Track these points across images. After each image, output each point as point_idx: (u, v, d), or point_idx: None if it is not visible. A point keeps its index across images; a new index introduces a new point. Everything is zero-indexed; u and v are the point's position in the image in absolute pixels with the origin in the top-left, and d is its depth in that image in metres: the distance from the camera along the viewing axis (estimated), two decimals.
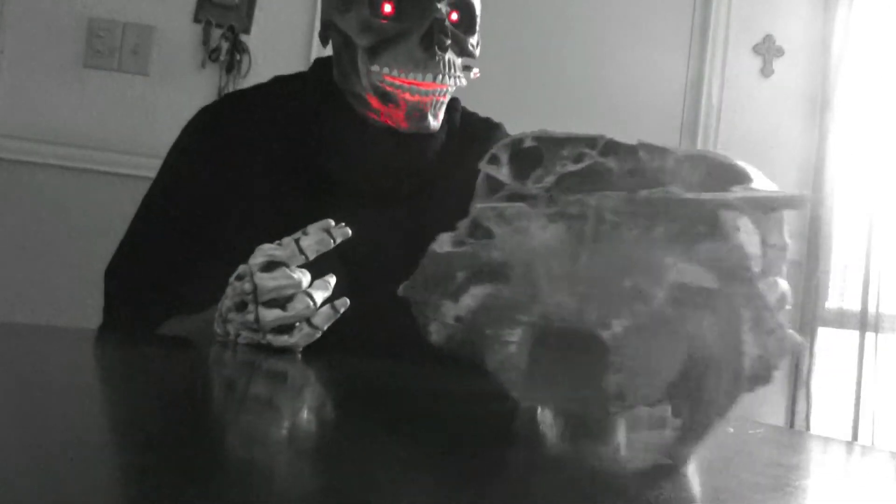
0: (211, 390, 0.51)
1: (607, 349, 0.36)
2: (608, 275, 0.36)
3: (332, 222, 0.70)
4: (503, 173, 0.43)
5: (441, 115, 0.89)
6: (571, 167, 0.38)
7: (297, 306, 0.67)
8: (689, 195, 0.37)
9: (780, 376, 2.12)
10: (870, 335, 2.01)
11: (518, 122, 1.09)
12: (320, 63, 0.95)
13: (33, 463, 0.26)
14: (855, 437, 1.99)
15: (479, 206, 0.41)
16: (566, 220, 0.37)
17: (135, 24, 1.91)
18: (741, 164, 0.40)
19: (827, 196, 2.15)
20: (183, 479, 0.26)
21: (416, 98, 0.83)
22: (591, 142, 0.41)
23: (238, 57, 1.93)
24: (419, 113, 0.85)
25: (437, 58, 0.81)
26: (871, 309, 2.01)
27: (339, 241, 0.69)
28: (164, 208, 0.90)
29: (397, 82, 0.82)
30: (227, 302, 0.69)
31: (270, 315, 0.66)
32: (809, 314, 2.14)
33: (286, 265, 0.67)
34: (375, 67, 0.83)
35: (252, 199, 0.87)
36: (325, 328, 0.69)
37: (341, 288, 0.83)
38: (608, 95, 2.16)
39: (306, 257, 0.68)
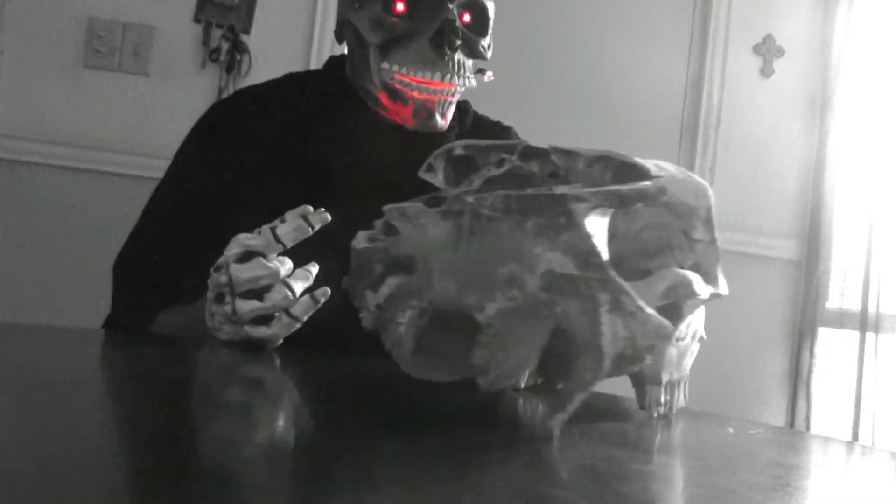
0: (211, 390, 0.51)
1: (479, 329, 0.40)
2: (485, 264, 0.40)
3: (311, 208, 0.67)
4: (438, 180, 0.48)
5: (449, 115, 0.90)
6: (495, 172, 0.42)
7: (274, 297, 0.64)
8: (558, 190, 0.41)
9: (780, 376, 2.12)
10: (870, 335, 2.01)
11: (518, 122, 1.09)
12: (334, 60, 0.97)
13: (33, 463, 0.26)
14: (855, 437, 1.99)
15: (387, 207, 0.45)
16: (452, 217, 0.41)
17: (135, 24, 1.91)
18: (641, 161, 0.44)
19: (827, 196, 2.15)
20: (183, 479, 0.26)
21: (424, 96, 0.84)
22: (510, 148, 0.45)
23: (238, 57, 1.93)
24: (426, 112, 0.86)
25: (446, 58, 0.82)
26: (872, 309, 2.01)
27: (317, 227, 0.67)
28: (173, 201, 0.90)
29: (406, 80, 0.84)
30: (208, 294, 0.69)
31: (247, 306, 0.64)
32: (809, 314, 2.14)
33: (262, 255, 0.65)
34: (385, 65, 0.84)
35: (259, 192, 0.87)
36: (305, 319, 0.67)
37: (343, 291, 0.84)
38: (608, 95, 2.16)
39: (283, 245, 0.66)
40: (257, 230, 0.67)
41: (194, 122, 0.96)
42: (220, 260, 0.67)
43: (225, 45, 1.93)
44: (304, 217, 0.67)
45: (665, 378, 0.50)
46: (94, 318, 0.92)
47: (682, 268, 0.46)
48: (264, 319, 0.66)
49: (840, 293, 2.14)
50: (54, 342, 0.63)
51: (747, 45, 2.21)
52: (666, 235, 0.46)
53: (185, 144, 0.94)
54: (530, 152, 0.45)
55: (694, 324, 0.51)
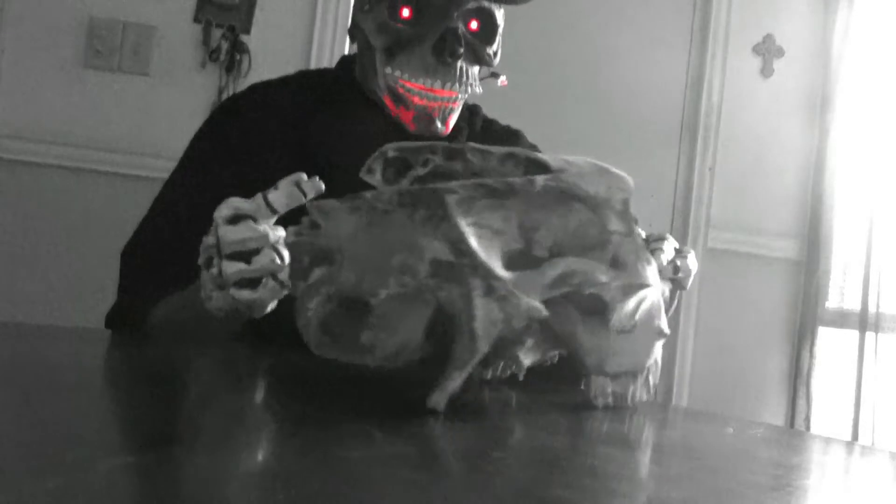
0: (209, 390, 0.51)
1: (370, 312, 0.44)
2: (381, 253, 0.44)
3: (305, 176, 0.67)
4: (376, 180, 0.51)
5: (452, 121, 0.91)
6: (421, 171, 0.46)
7: (261, 260, 0.62)
8: (436, 185, 0.44)
9: (780, 376, 2.12)
10: (870, 335, 2.01)
11: (518, 122, 1.09)
12: (346, 60, 0.97)
13: (33, 462, 0.26)
14: (855, 436, 1.99)
15: (308, 203, 0.49)
16: (356, 211, 0.45)
17: (135, 23, 1.91)
18: (545, 157, 0.47)
19: (827, 195, 2.15)
20: (181, 479, 0.26)
21: (425, 102, 0.86)
22: (433, 149, 0.48)
23: (238, 57, 1.93)
24: (427, 117, 0.87)
25: (448, 65, 0.83)
26: (871, 309, 2.01)
27: (310, 195, 0.64)
28: (184, 191, 0.90)
29: (408, 86, 0.85)
30: (199, 260, 0.67)
31: (232, 268, 0.62)
32: (809, 314, 2.14)
33: (253, 219, 0.63)
34: (389, 70, 0.86)
35: (267, 185, 0.88)
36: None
37: None
38: (608, 95, 2.16)
39: (274, 211, 0.64)
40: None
41: (194, 121, 0.97)
42: (212, 224, 0.65)
43: (225, 45, 1.93)
44: (298, 185, 0.65)
45: (612, 369, 0.51)
46: (95, 319, 0.92)
47: (610, 260, 0.49)
48: (251, 284, 0.63)
49: (840, 293, 2.14)
50: (54, 342, 0.63)
51: (747, 45, 2.21)
52: (593, 229, 0.48)
53: (197, 136, 0.94)
54: (452, 152, 0.48)
55: (645, 315, 0.51)
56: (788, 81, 2.22)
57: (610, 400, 0.52)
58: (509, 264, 0.44)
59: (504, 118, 1.06)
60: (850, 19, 2.15)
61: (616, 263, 0.48)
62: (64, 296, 1.79)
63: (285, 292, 0.63)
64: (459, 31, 0.83)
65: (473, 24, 0.87)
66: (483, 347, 0.43)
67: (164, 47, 1.93)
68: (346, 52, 0.98)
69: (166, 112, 1.90)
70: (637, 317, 0.50)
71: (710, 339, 2.17)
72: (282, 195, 0.65)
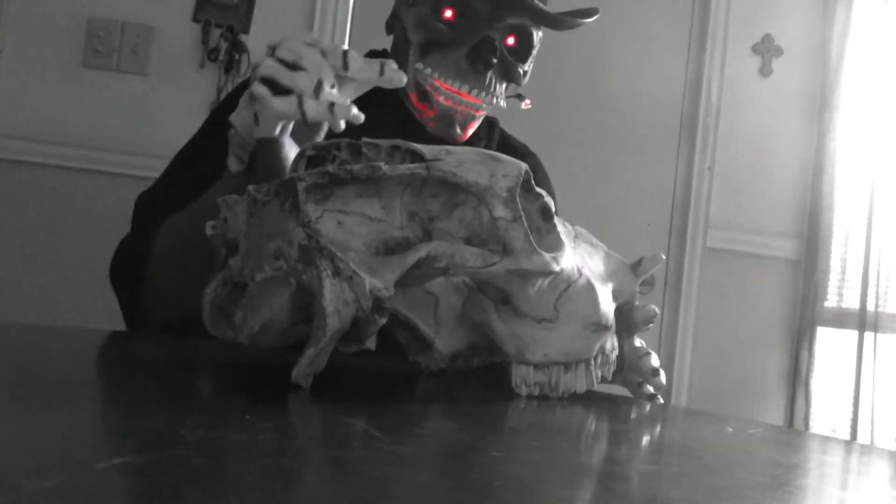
0: (211, 389, 0.52)
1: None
2: (261, 240, 0.47)
3: (394, 65, 0.63)
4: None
5: (470, 131, 0.91)
6: (331, 167, 0.48)
7: (300, 78, 0.59)
8: (294, 174, 0.47)
9: (779, 375, 2.11)
10: (869, 335, 2.01)
11: (518, 121, 1.09)
12: (374, 53, 0.98)
13: (32, 462, 0.26)
14: (854, 436, 1.99)
15: (219, 199, 0.52)
16: (247, 204, 0.49)
17: (134, 23, 1.91)
18: (422, 148, 0.50)
19: (826, 195, 2.15)
20: (181, 478, 0.26)
21: (450, 104, 0.86)
22: (339, 145, 0.51)
23: (237, 57, 1.93)
24: (448, 119, 0.88)
25: (479, 73, 0.84)
26: (870, 308, 2.02)
27: (387, 76, 0.61)
28: (200, 151, 0.89)
29: (437, 84, 0.86)
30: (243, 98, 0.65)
31: (270, 66, 0.59)
32: (808, 313, 2.14)
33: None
34: (420, 65, 0.86)
35: None
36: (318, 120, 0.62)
37: None
38: (607, 95, 2.16)
39: (346, 66, 0.61)
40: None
41: (193, 121, 0.97)
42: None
43: (224, 45, 1.93)
44: (382, 66, 0.62)
45: (535, 358, 0.52)
46: (94, 318, 0.92)
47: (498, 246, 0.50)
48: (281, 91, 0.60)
49: (839, 293, 2.14)
50: (54, 342, 0.63)
51: (746, 45, 2.21)
52: (475, 217, 0.49)
53: (218, 106, 0.95)
54: (353, 147, 0.51)
55: (569, 306, 0.52)
56: (787, 81, 2.22)
57: (535, 390, 0.53)
58: (387, 250, 0.47)
59: (504, 117, 1.06)
60: (849, 19, 2.15)
61: (505, 250, 0.49)
62: (64, 296, 1.79)
63: (309, 122, 0.61)
64: (496, 43, 0.84)
65: (510, 41, 0.88)
66: (335, 325, 0.45)
67: (162, 47, 1.93)
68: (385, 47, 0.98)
69: (165, 112, 1.90)
70: (557, 307, 0.51)
71: (709, 338, 2.17)
72: (360, 60, 0.62)
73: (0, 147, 1.85)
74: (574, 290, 0.52)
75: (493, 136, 1.01)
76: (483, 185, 0.48)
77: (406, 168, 0.48)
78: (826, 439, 0.62)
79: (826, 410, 2.11)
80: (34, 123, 1.87)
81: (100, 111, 1.89)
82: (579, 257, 0.55)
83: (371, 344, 0.53)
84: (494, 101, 0.88)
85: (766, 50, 2.21)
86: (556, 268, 0.51)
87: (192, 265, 0.74)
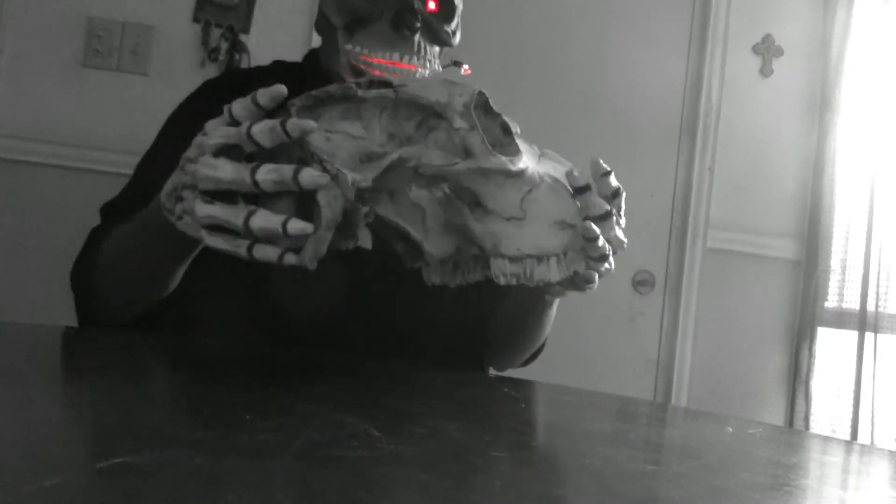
0: (210, 389, 0.51)
1: None
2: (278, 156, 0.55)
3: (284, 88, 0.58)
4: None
5: None
6: (313, 91, 0.57)
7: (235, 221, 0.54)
8: (288, 101, 0.56)
9: (779, 376, 2.12)
10: (869, 335, 2.01)
11: (518, 121, 1.09)
12: (313, 52, 1.00)
13: (32, 461, 0.26)
14: (854, 436, 1.99)
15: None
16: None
17: (134, 23, 1.91)
18: (389, 78, 0.63)
19: (826, 195, 2.15)
20: (173, 478, 0.26)
21: (385, 75, 0.86)
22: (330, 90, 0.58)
23: (237, 57, 1.93)
24: None
25: (406, 38, 0.86)
26: (870, 309, 2.01)
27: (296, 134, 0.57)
28: (158, 162, 0.90)
29: (368, 60, 0.87)
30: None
31: (204, 210, 0.54)
32: (809, 314, 2.14)
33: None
34: (349, 46, 0.88)
35: None
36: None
37: (342, 291, 0.83)
38: (607, 95, 2.16)
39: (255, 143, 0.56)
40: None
41: None
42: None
43: (224, 45, 1.93)
44: (253, 100, 0.56)
45: (508, 252, 0.58)
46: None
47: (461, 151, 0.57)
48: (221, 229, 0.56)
49: (839, 293, 2.14)
50: (53, 342, 0.63)
51: (746, 45, 2.21)
52: (440, 128, 0.57)
53: (175, 113, 0.99)
54: (344, 87, 0.58)
55: (535, 206, 0.58)
56: (788, 81, 2.22)
57: (512, 280, 0.58)
58: (368, 160, 0.55)
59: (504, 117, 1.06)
60: (849, 19, 2.15)
61: (466, 153, 0.57)
62: (64, 296, 1.79)
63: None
64: (416, 6, 0.86)
65: (431, 5, 0.90)
66: (328, 215, 0.52)
67: (163, 47, 1.93)
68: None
69: (165, 112, 1.89)
70: (523, 206, 0.58)
71: (709, 338, 2.17)
72: (265, 132, 0.55)
73: (0, 147, 1.85)
74: (538, 192, 0.59)
75: None
76: (444, 102, 0.57)
77: (378, 92, 0.56)
78: (826, 439, 0.62)
79: (826, 410, 2.11)
80: (34, 123, 1.86)
81: (100, 111, 1.89)
82: (543, 168, 0.61)
83: (367, 243, 0.60)
84: (428, 64, 0.89)
85: (766, 50, 2.21)
86: (513, 168, 0.57)
87: (127, 282, 0.76)
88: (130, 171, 1.07)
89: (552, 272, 0.59)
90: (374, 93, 0.56)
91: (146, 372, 0.54)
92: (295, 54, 1.99)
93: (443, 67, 0.93)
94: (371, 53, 0.86)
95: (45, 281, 1.84)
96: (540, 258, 0.58)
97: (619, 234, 0.62)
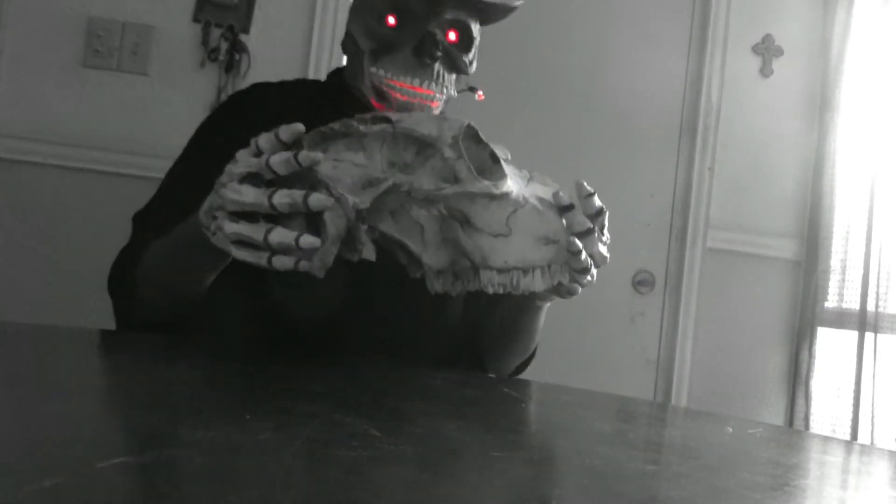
0: (210, 389, 0.51)
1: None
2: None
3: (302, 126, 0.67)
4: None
5: None
6: (321, 128, 0.65)
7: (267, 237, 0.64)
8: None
9: (779, 376, 2.12)
10: (868, 335, 2.01)
11: (518, 122, 1.09)
12: (337, 71, 1.07)
13: (32, 461, 0.26)
14: (854, 436, 1.99)
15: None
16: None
17: (134, 23, 1.91)
18: (387, 113, 0.66)
19: (826, 195, 2.15)
20: (181, 479, 0.26)
21: (406, 98, 0.94)
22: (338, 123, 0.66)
23: (237, 57, 1.93)
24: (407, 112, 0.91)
25: (426, 66, 0.93)
26: (870, 309, 2.01)
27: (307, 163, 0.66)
28: (189, 172, 0.96)
29: (391, 83, 0.94)
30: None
31: (232, 227, 0.64)
32: (809, 314, 2.14)
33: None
34: (374, 69, 0.94)
35: None
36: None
37: (343, 291, 0.84)
38: (608, 95, 2.16)
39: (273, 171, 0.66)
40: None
41: (193, 121, 1.00)
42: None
43: (224, 45, 1.92)
44: (276, 135, 0.66)
45: (496, 264, 0.63)
46: (95, 318, 0.92)
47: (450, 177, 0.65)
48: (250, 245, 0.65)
49: (839, 293, 2.14)
50: (54, 342, 0.63)
51: (746, 45, 2.21)
52: (433, 157, 0.65)
53: (202, 125, 1.02)
54: (347, 123, 0.67)
55: (520, 224, 0.64)
56: (788, 81, 2.22)
57: (500, 289, 0.64)
58: (369, 185, 0.63)
59: (504, 117, 1.07)
60: (849, 19, 2.15)
61: (455, 179, 0.64)
62: (64, 296, 1.79)
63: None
64: (437, 38, 0.92)
65: (452, 35, 0.96)
66: (332, 231, 0.61)
67: (163, 47, 1.92)
68: (339, 63, 1.03)
69: (165, 112, 1.90)
70: (508, 224, 0.64)
71: (709, 338, 2.17)
72: (281, 163, 0.66)
73: (0, 147, 1.85)
74: (522, 212, 0.65)
75: None
76: (434, 135, 0.65)
77: (378, 126, 0.64)
78: (826, 439, 0.62)
79: (826, 410, 2.11)
80: (34, 123, 1.86)
81: (100, 111, 1.89)
82: (531, 190, 0.68)
83: (370, 256, 0.68)
84: (445, 90, 0.96)
85: (766, 50, 2.21)
86: (496, 191, 0.64)
87: (168, 288, 0.82)
88: (130, 171, 1.07)
89: (536, 283, 0.65)
90: (375, 128, 0.65)
91: (146, 372, 0.54)
92: (295, 54, 2.01)
93: (458, 92, 1.00)
94: (394, 77, 0.93)
95: (45, 281, 1.85)
96: (525, 270, 0.65)
97: (602, 249, 0.69)
